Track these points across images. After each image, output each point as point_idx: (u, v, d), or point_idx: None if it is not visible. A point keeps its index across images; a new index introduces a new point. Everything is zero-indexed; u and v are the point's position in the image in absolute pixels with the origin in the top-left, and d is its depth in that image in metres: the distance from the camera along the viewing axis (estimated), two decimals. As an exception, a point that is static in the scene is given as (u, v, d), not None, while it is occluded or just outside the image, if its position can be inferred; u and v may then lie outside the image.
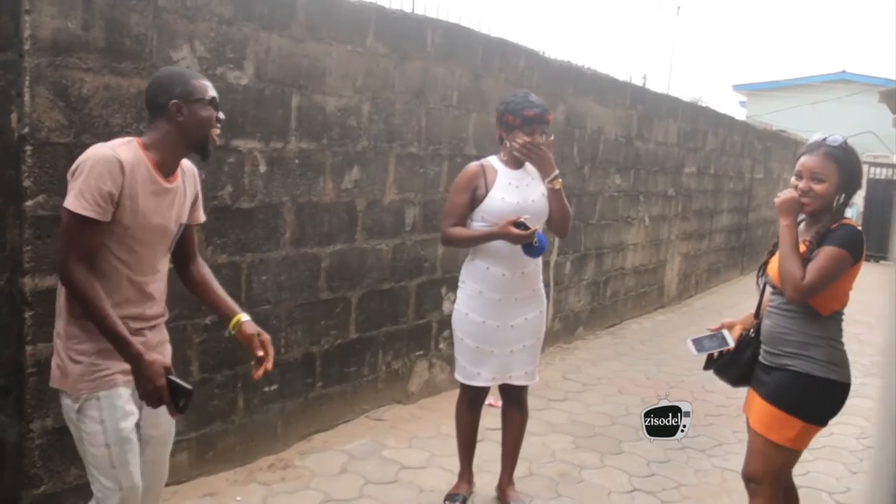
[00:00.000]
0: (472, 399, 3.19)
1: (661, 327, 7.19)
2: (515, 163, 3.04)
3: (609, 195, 6.58)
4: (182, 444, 3.05)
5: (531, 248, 2.89)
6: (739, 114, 18.75)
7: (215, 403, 3.25)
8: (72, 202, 1.87)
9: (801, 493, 2.72)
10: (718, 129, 9.13)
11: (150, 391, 1.91)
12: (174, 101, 1.98)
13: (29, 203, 2.46)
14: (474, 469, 3.31)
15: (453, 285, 3.42)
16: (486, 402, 3.31)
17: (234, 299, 3.20)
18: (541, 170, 3.03)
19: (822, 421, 2.42)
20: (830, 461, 4.05)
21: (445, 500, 3.23)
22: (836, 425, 2.52)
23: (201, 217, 2.25)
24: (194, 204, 2.19)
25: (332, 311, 3.81)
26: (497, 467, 3.32)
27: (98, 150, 1.92)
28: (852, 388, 2.46)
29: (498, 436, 3.34)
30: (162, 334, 2.15)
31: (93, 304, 1.87)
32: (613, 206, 6.70)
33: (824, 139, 2.43)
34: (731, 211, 10.14)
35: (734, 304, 8.33)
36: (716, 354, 2.65)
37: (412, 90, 4.12)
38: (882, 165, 15.82)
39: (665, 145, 7.61)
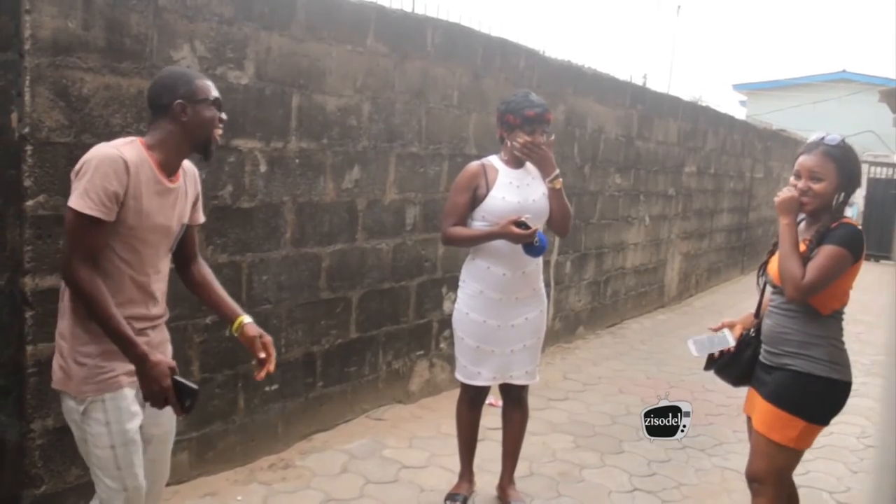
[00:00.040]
0: (472, 398, 3.19)
1: (661, 327, 7.19)
2: (516, 162, 3.04)
3: (609, 195, 6.58)
4: (182, 443, 3.05)
5: (532, 247, 2.89)
6: (739, 113, 18.77)
7: (216, 403, 3.25)
8: (77, 202, 1.86)
9: (801, 492, 2.72)
10: (719, 128, 9.12)
11: (156, 392, 1.91)
12: (178, 101, 1.98)
13: (29, 203, 2.46)
14: (475, 469, 3.31)
15: (454, 285, 3.42)
16: (487, 402, 3.31)
17: (234, 299, 3.21)
18: (541, 169, 3.03)
19: (824, 420, 2.42)
20: (831, 460, 4.05)
21: (446, 499, 3.23)
22: (836, 425, 2.51)
23: (201, 218, 2.25)
24: (195, 204, 2.19)
25: (333, 310, 3.81)
26: (497, 467, 3.32)
27: (103, 150, 1.91)
28: (853, 387, 2.46)
29: (498, 435, 3.34)
30: (163, 334, 2.15)
31: (98, 305, 1.86)
32: (614, 205, 6.70)
33: (822, 138, 2.43)
34: (731, 210, 10.14)
35: (734, 304, 8.33)
36: (716, 354, 2.65)
37: (412, 90, 4.12)
38: (882, 165, 15.82)
39: (665, 145, 7.61)
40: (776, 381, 2.44)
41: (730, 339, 2.59)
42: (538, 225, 2.91)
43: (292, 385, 3.62)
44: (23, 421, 2.53)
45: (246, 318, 2.20)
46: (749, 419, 2.61)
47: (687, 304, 8.52)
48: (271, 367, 2.18)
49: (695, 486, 3.65)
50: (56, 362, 2.00)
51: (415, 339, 4.41)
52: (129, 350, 1.89)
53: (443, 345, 4.58)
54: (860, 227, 2.43)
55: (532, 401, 3.42)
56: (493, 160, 3.08)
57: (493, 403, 3.82)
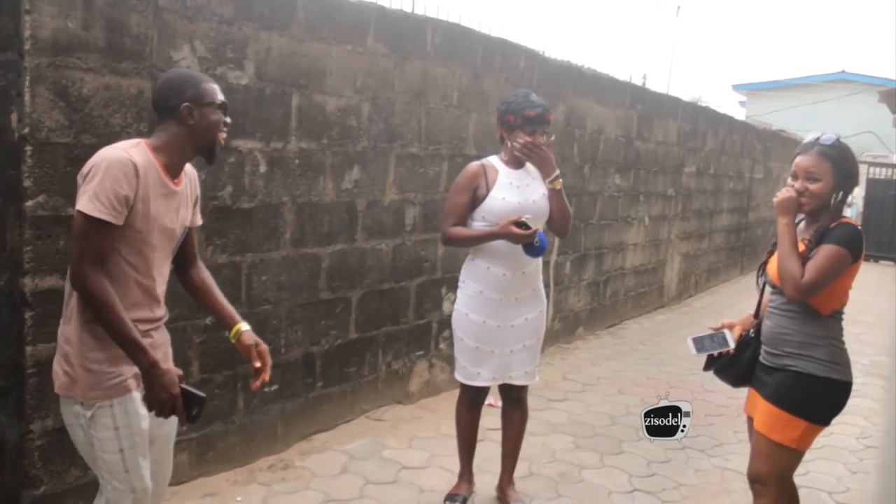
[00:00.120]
0: (472, 399, 3.19)
1: (660, 327, 7.19)
2: (516, 163, 3.04)
3: (609, 195, 6.58)
4: (182, 444, 3.05)
5: (532, 247, 2.89)
6: (739, 113, 18.76)
7: (215, 404, 3.24)
8: (87, 205, 1.83)
9: (801, 493, 2.72)
10: (718, 128, 9.13)
11: (165, 400, 1.90)
12: (185, 104, 1.97)
13: (29, 203, 2.45)
14: (474, 469, 3.31)
15: (453, 285, 3.42)
16: (486, 402, 3.31)
17: (234, 299, 3.24)
18: (541, 170, 3.03)
19: (825, 420, 2.43)
20: (830, 461, 4.05)
21: (446, 500, 3.23)
22: (836, 425, 2.51)
23: (199, 220, 2.24)
24: (194, 207, 2.19)
25: (333, 311, 3.81)
26: (497, 467, 3.31)
27: (112, 153, 1.89)
28: (853, 387, 2.46)
29: (498, 436, 3.34)
30: (165, 334, 2.15)
31: (109, 311, 1.85)
32: (613, 205, 6.70)
33: (818, 138, 2.44)
34: (730, 211, 10.14)
35: (734, 304, 8.33)
36: (715, 354, 2.65)
37: (412, 90, 4.12)
38: (882, 165, 15.82)
39: (665, 145, 7.61)
40: (777, 382, 2.44)
41: (730, 341, 2.59)
42: (538, 225, 2.91)
43: (292, 385, 3.62)
44: (22, 422, 2.53)
45: (243, 326, 2.19)
46: (750, 420, 2.61)
47: (686, 305, 8.52)
48: (266, 376, 2.16)
49: (694, 487, 3.65)
50: (60, 367, 1.97)
51: (414, 339, 4.41)
52: (140, 357, 1.88)
53: (442, 345, 4.58)
54: (859, 227, 2.44)
55: (531, 401, 3.42)
56: (494, 160, 3.08)
57: (493, 404, 3.82)
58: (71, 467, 2.64)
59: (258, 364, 2.15)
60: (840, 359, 2.41)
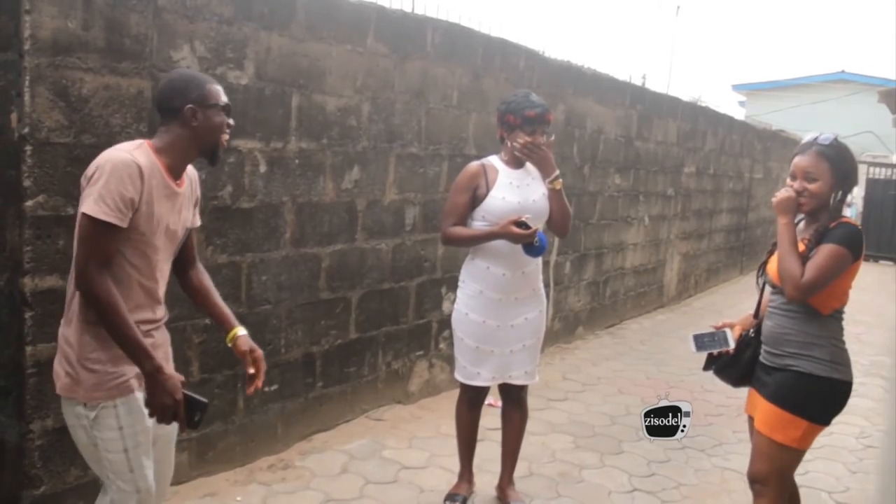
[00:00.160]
0: (472, 399, 3.19)
1: (660, 327, 7.19)
2: (516, 162, 3.04)
3: (609, 195, 6.58)
4: (182, 444, 3.05)
5: (532, 247, 2.89)
6: (739, 113, 18.77)
7: (215, 403, 3.24)
8: (92, 207, 1.81)
9: (800, 492, 2.72)
10: (718, 128, 9.13)
11: (168, 405, 1.89)
12: (189, 105, 1.96)
13: (29, 203, 2.45)
14: (474, 469, 3.31)
15: (453, 285, 3.42)
16: (486, 402, 3.31)
17: (234, 299, 3.24)
18: (541, 170, 3.03)
19: (826, 420, 2.43)
20: (830, 461, 4.05)
21: (446, 500, 3.23)
22: (835, 425, 2.51)
23: (198, 221, 2.23)
24: (194, 208, 2.19)
25: (333, 311, 3.81)
26: (497, 467, 3.31)
27: (116, 155, 1.88)
28: (852, 387, 2.47)
29: (498, 436, 3.34)
30: (165, 334, 2.14)
31: (116, 314, 1.84)
32: (613, 205, 6.71)
33: (815, 138, 2.44)
34: (730, 211, 10.14)
35: (734, 304, 8.34)
36: (715, 353, 2.65)
37: (412, 90, 4.12)
38: (881, 165, 15.83)
39: (664, 145, 7.61)
40: (778, 382, 2.45)
41: (730, 341, 2.59)
42: (538, 225, 2.91)
43: (292, 385, 3.62)
44: (22, 422, 2.53)
45: (240, 331, 2.19)
46: (751, 419, 2.61)
47: (686, 305, 8.52)
48: (259, 383, 2.16)
49: (694, 487, 3.65)
50: (61, 368, 1.96)
51: (414, 339, 4.41)
52: (144, 361, 1.87)
53: (442, 345, 4.58)
54: (859, 227, 2.44)
55: (531, 401, 3.42)
56: (494, 160, 3.08)
57: (493, 404, 3.82)
58: (71, 467, 2.64)
59: (252, 371, 2.15)
60: (841, 358, 2.41)
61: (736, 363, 2.61)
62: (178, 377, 1.93)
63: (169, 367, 1.93)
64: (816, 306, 2.39)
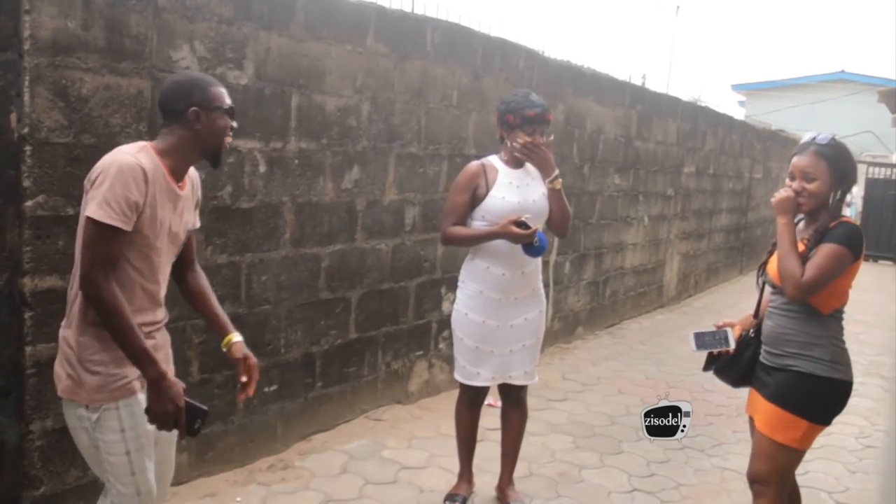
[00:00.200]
0: (471, 399, 3.19)
1: (660, 327, 7.19)
2: (516, 162, 3.04)
3: (608, 195, 6.58)
4: (182, 444, 3.04)
5: (531, 247, 2.89)
6: (738, 113, 18.76)
7: (215, 404, 3.24)
8: (97, 212, 1.80)
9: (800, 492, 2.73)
10: (717, 128, 9.13)
11: (170, 412, 1.89)
12: (193, 108, 1.95)
13: (29, 203, 2.45)
14: (474, 469, 3.31)
15: (453, 285, 3.42)
16: (486, 403, 3.31)
17: (233, 299, 3.24)
18: (541, 170, 3.03)
19: (826, 420, 2.43)
20: (829, 461, 4.05)
21: (445, 500, 3.23)
22: (835, 425, 2.51)
23: (198, 222, 2.21)
24: (195, 209, 2.18)
25: (332, 311, 3.80)
26: (497, 467, 3.31)
27: (120, 158, 1.86)
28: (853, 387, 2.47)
29: (497, 436, 3.34)
30: (165, 335, 2.14)
31: (121, 319, 1.84)
32: (613, 205, 6.71)
33: (813, 138, 2.45)
34: (730, 211, 10.14)
35: (733, 304, 8.34)
36: (715, 353, 2.65)
37: (412, 90, 4.12)
38: (881, 165, 15.84)
39: (664, 145, 7.61)
40: (778, 382, 2.45)
41: (731, 341, 2.59)
42: (538, 225, 2.91)
43: (291, 385, 3.62)
44: (22, 422, 2.53)
45: (235, 337, 2.18)
46: (751, 420, 2.61)
47: (686, 305, 8.52)
48: (251, 391, 2.15)
49: (694, 487, 3.65)
50: (63, 370, 1.95)
51: (414, 339, 4.41)
52: (149, 368, 1.87)
53: (442, 345, 4.58)
54: (859, 226, 2.44)
55: (531, 401, 3.42)
56: (493, 160, 3.08)
57: (493, 404, 3.81)
58: (71, 468, 2.64)
59: (244, 378, 2.14)
60: (841, 358, 2.42)
61: (736, 363, 2.61)
62: (181, 384, 1.92)
63: (170, 370, 1.92)
64: (817, 306, 2.39)
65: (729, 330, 2.61)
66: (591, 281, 6.50)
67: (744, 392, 2.69)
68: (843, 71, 22.68)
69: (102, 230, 1.82)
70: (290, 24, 3.35)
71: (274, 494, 3.21)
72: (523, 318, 3.08)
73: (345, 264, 3.83)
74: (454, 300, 3.19)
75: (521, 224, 2.84)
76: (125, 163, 1.85)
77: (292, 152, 3.45)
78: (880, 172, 15.61)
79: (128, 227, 1.84)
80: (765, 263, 2.61)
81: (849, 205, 14.08)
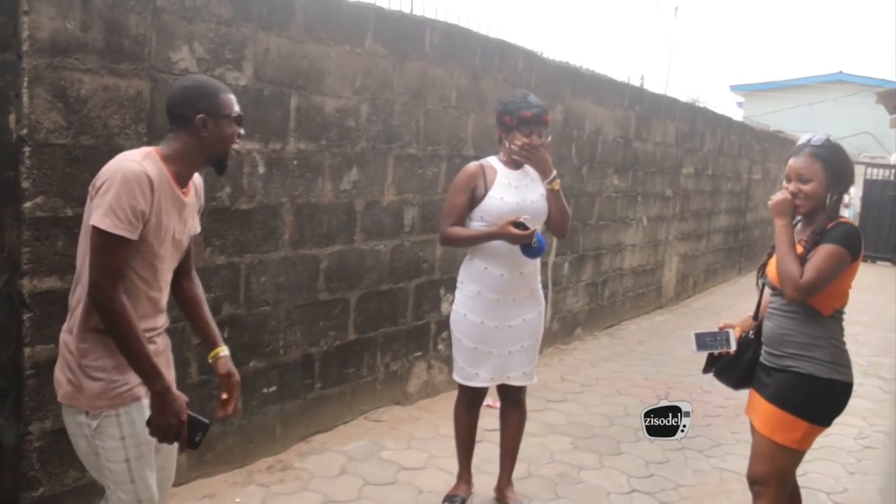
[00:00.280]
0: (470, 400, 3.19)
1: (659, 328, 7.20)
2: (515, 163, 3.04)
3: (607, 196, 6.58)
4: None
5: (530, 248, 2.89)
6: (737, 114, 18.77)
7: (214, 405, 3.23)
8: (104, 221, 1.79)
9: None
10: (716, 129, 9.14)
11: (174, 425, 1.89)
12: (200, 115, 1.93)
13: (28, 204, 2.45)
14: (473, 470, 3.31)
15: (452, 286, 3.42)
16: (485, 404, 3.31)
17: (232, 300, 3.24)
18: (539, 171, 3.03)
19: (826, 421, 2.43)
20: (828, 461, 4.05)
21: (444, 501, 3.23)
22: (833, 426, 2.51)
23: (198, 228, 2.19)
24: (197, 215, 2.16)
25: (331, 312, 3.80)
26: (496, 468, 3.31)
27: (126, 165, 1.84)
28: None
29: (496, 437, 3.34)
30: (167, 340, 2.12)
31: (129, 330, 1.83)
32: (611, 206, 6.71)
33: (809, 140, 2.45)
34: (728, 212, 10.15)
35: (732, 305, 8.34)
36: (715, 354, 2.65)
37: (411, 91, 4.12)
38: (879, 166, 15.86)
39: (663, 146, 7.62)
40: (778, 383, 2.45)
41: (732, 342, 2.59)
42: (536, 226, 2.91)
43: (290, 386, 3.62)
44: (21, 423, 2.52)
45: (223, 352, 2.17)
46: (752, 421, 2.61)
47: (685, 306, 8.53)
48: (230, 408, 2.13)
49: (693, 488, 3.65)
50: (63, 376, 1.94)
51: (413, 340, 4.41)
52: (154, 380, 1.86)
53: (441, 346, 4.58)
54: (857, 226, 2.45)
55: (530, 402, 3.42)
56: (492, 161, 3.08)
57: (491, 405, 3.81)
58: (69, 469, 2.64)
59: (224, 396, 2.13)
60: (841, 359, 2.42)
61: (736, 365, 2.61)
62: (184, 398, 1.92)
63: (171, 374, 1.91)
64: (817, 307, 2.40)
65: (730, 331, 2.61)
66: (589, 282, 6.51)
67: (742, 393, 2.69)
68: (841, 72, 22.69)
69: (108, 239, 1.80)
70: (290, 25, 3.35)
71: (273, 495, 3.21)
72: (522, 318, 3.08)
73: (344, 265, 3.83)
74: (453, 301, 3.19)
75: (519, 225, 2.84)
76: (131, 171, 1.82)
77: (291, 153, 3.45)
78: (878, 173, 15.63)
79: (133, 236, 1.83)
80: (764, 265, 2.61)
81: (847, 206, 14.11)
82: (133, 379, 1.92)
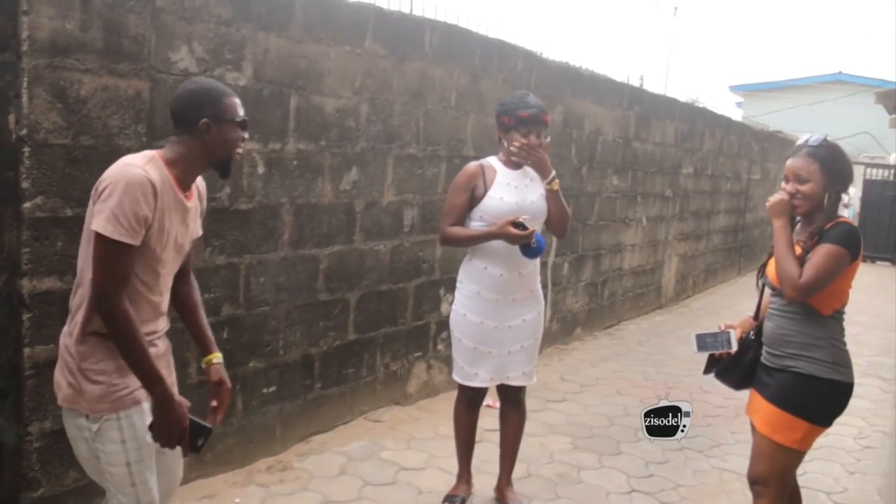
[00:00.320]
0: (470, 400, 3.19)
1: (658, 328, 7.20)
2: (514, 163, 3.04)
3: (607, 196, 6.58)
4: (180, 445, 3.04)
5: (529, 248, 2.89)
6: (736, 114, 18.75)
7: (213, 405, 3.23)
8: (107, 227, 1.78)
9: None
10: (715, 129, 9.14)
11: (176, 430, 1.89)
12: (204, 120, 1.91)
13: (27, 205, 2.45)
14: (473, 470, 3.31)
15: (451, 286, 3.42)
16: (485, 404, 3.31)
17: (232, 301, 3.24)
18: (538, 172, 3.03)
19: (827, 422, 2.43)
20: (828, 461, 4.05)
21: (444, 501, 3.23)
22: (833, 426, 2.51)
23: (199, 231, 2.17)
24: (199, 218, 2.16)
25: (331, 312, 3.80)
26: (495, 468, 3.31)
27: (129, 171, 1.83)
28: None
29: (496, 437, 3.34)
30: (167, 342, 2.11)
31: (133, 337, 1.83)
32: (611, 206, 6.71)
33: (806, 140, 2.46)
34: (728, 212, 10.15)
35: (732, 305, 8.35)
36: (716, 355, 2.65)
37: (410, 91, 4.12)
38: (878, 166, 15.86)
39: (662, 146, 7.62)
40: (779, 383, 2.45)
41: (733, 342, 2.59)
42: (536, 226, 2.91)
43: (290, 387, 3.62)
44: (20, 424, 2.52)
45: (216, 358, 2.16)
46: (753, 421, 2.60)
47: (684, 306, 8.53)
48: (219, 417, 2.12)
49: (693, 488, 3.65)
50: (63, 379, 1.93)
51: (413, 340, 4.41)
52: (156, 388, 1.86)
53: (440, 346, 4.58)
54: (856, 226, 2.45)
55: (530, 402, 3.42)
56: (492, 161, 3.08)
57: (491, 405, 3.81)
58: (69, 469, 2.63)
59: (214, 403, 2.12)
60: (842, 360, 2.42)
61: (737, 366, 2.61)
62: (186, 403, 1.92)
63: (171, 376, 1.90)
64: (817, 307, 2.40)
65: (731, 331, 2.61)
66: (589, 282, 6.51)
67: (742, 393, 2.69)
68: (840, 72, 22.69)
69: (111, 246, 1.79)
70: (289, 25, 3.35)
71: (273, 496, 3.21)
72: (521, 318, 3.08)
73: (343, 265, 3.83)
74: (452, 301, 3.19)
75: (518, 225, 2.84)
76: (134, 176, 1.81)
77: (291, 153, 3.45)
78: (878, 174, 15.63)
79: (136, 243, 1.82)
80: (764, 265, 2.62)
81: (847, 206, 14.11)
82: (134, 382, 1.91)
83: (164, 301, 2.04)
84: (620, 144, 6.69)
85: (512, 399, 3.21)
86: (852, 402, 2.49)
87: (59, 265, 2.53)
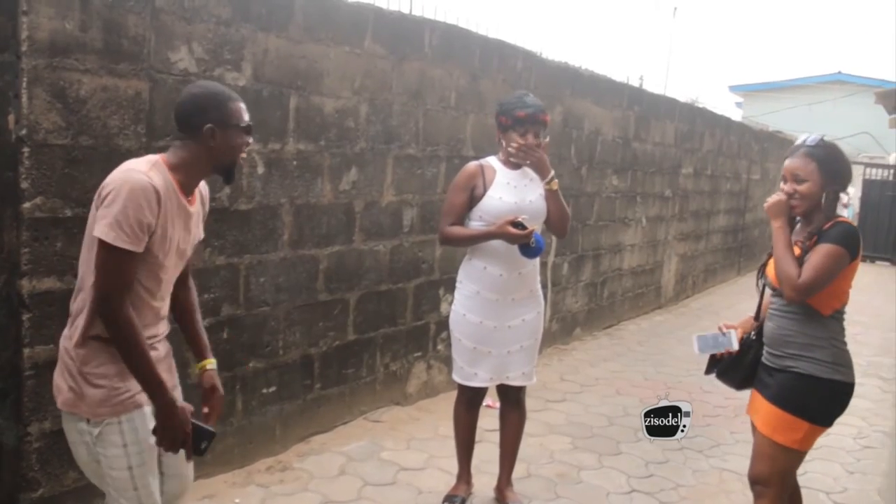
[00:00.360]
0: (469, 400, 3.19)
1: (658, 328, 7.20)
2: (514, 163, 3.04)
3: (606, 196, 6.58)
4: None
5: (528, 248, 2.89)
6: (736, 114, 18.73)
7: (206, 412, 3.23)
8: (109, 234, 1.77)
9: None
10: (715, 129, 9.14)
11: (179, 435, 1.89)
12: (209, 125, 1.90)
13: (27, 205, 2.45)
14: (472, 470, 3.31)
15: (451, 287, 3.42)
16: (484, 404, 3.31)
17: (232, 301, 3.24)
18: (537, 172, 3.03)
19: (827, 422, 2.43)
20: (827, 461, 4.05)
21: (444, 501, 3.23)
22: (833, 425, 2.52)
23: (202, 234, 2.16)
24: (202, 222, 2.15)
25: (331, 312, 3.80)
26: (495, 468, 3.31)
27: (133, 176, 1.81)
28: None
29: (496, 437, 3.34)
30: (168, 345, 2.11)
31: (136, 344, 1.82)
32: (611, 206, 6.71)
33: (804, 140, 2.46)
34: (727, 212, 10.16)
35: (731, 305, 8.35)
36: (718, 355, 2.65)
37: (410, 91, 4.12)
38: (878, 166, 15.87)
39: (662, 146, 7.62)
40: (779, 384, 2.45)
41: (734, 342, 2.59)
42: (535, 226, 2.91)
43: (290, 387, 3.62)
44: (20, 424, 2.52)
45: (210, 364, 2.16)
46: (753, 421, 2.60)
47: (684, 306, 8.53)
48: (211, 423, 2.10)
49: (692, 488, 3.65)
50: (64, 382, 1.92)
51: (412, 340, 4.41)
52: (158, 394, 1.86)
53: (440, 346, 4.58)
54: (855, 226, 2.45)
55: (529, 402, 3.42)
56: (492, 161, 3.08)
57: (491, 405, 3.81)
58: (69, 470, 2.63)
59: (206, 410, 2.11)
60: (842, 360, 2.42)
61: (738, 366, 2.61)
62: (189, 408, 1.92)
63: (172, 379, 1.90)
64: (817, 307, 2.39)
65: (732, 331, 2.61)
66: (589, 282, 6.51)
67: (741, 393, 2.69)
68: (840, 72, 22.69)
69: (114, 253, 1.79)
70: (289, 25, 3.35)
71: (272, 496, 3.21)
72: (521, 318, 3.08)
73: (343, 266, 3.83)
74: (452, 301, 3.19)
75: (517, 224, 2.84)
76: (138, 183, 1.80)
77: (290, 154, 3.45)
78: (877, 174, 15.64)
79: (139, 249, 1.82)
80: (764, 265, 2.62)
81: (846, 206, 14.11)
82: (135, 386, 1.90)
83: (166, 305, 2.04)
84: (620, 144, 6.69)
85: (512, 399, 3.21)
86: (852, 401, 2.49)
87: (58, 265, 2.52)
